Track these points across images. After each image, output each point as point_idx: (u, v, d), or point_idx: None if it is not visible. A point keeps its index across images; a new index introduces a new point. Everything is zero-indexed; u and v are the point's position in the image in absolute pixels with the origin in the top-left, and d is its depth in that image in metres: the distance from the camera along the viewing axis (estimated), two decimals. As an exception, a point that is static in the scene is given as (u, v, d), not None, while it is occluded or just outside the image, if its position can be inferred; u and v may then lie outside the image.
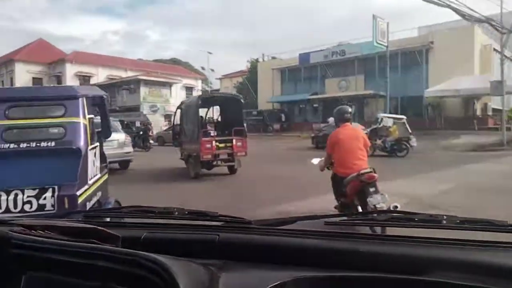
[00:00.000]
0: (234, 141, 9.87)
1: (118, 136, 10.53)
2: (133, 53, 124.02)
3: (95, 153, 3.75)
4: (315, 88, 32.33)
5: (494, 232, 1.03)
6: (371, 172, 4.28)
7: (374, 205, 4.04)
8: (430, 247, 0.90)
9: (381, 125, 14.92)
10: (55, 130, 3.35)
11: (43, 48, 46.76)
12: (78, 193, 3.01)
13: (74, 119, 3.30)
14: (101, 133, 4.47)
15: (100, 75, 43.33)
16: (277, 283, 0.75)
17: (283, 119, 33.16)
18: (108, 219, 1.30)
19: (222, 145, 9.80)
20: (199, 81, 50.22)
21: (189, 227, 1.13)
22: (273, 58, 40.06)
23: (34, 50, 46.78)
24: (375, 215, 1.20)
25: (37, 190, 2.92)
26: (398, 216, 1.13)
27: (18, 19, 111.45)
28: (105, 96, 4.37)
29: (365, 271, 0.82)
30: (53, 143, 3.19)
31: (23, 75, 44.84)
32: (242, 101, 11.28)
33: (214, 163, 10.05)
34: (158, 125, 35.98)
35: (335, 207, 4.82)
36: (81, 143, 3.25)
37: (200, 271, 0.75)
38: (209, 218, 1.19)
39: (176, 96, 45.05)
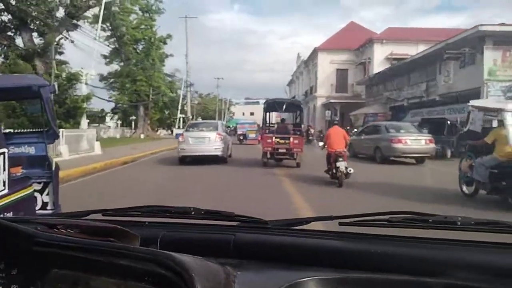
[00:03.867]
0: (291, 139, 11.80)
1: (210, 135, 12.96)
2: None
3: None
4: None
5: (507, 234, 1.01)
6: (342, 151, 8.45)
7: (338, 167, 8.12)
8: (445, 249, 0.91)
9: (467, 127, 7.91)
10: None
11: (351, 33, 37.77)
12: None
13: None
14: (47, 134, 4.18)
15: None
16: (292, 282, 0.76)
17: None
18: (127, 219, 1.22)
19: (282, 141, 11.82)
20: None
21: (206, 227, 1.15)
22: None
23: (341, 36, 38.67)
24: (390, 216, 1.10)
25: None
26: (413, 217, 1.09)
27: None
28: (42, 88, 3.83)
29: (380, 273, 0.82)
30: None
31: (326, 67, 37.50)
32: (301, 105, 15.10)
33: (278, 156, 12.35)
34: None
35: (325, 171, 8.81)
36: None
37: (217, 270, 0.76)
38: (225, 218, 1.20)
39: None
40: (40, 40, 19.39)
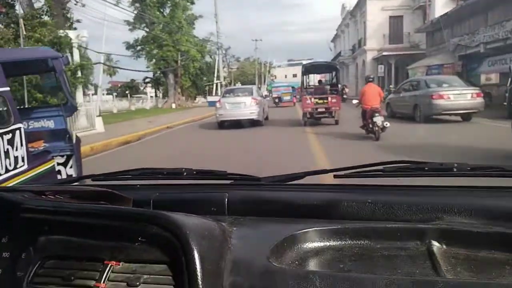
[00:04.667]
0: (329, 98, 12.44)
1: (245, 100, 13.31)
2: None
3: (9, 140, 3.00)
4: None
5: (503, 177, 1.01)
6: (378, 107, 9.01)
7: (375, 122, 8.66)
8: (440, 195, 0.92)
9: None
10: None
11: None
12: None
13: None
14: (65, 107, 4.07)
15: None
16: (288, 235, 0.76)
17: None
18: (118, 182, 1.20)
19: (320, 101, 12.47)
20: None
21: (199, 187, 1.15)
22: None
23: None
24: (384, 166, 1.08)
25: None
26: (408, 166, 1.07)
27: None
28: (55, 60, 3.67)
29: (375, 222, 0.82)
30: None
31: (377, 15, 32.30)
32: (337, 66, 15.96)
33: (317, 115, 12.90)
34: None
35: (360, 127, 9.43)
36: None
37: (212, 226, 0.75)
38: (218, 177, 1.19)
39: None
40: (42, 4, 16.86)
